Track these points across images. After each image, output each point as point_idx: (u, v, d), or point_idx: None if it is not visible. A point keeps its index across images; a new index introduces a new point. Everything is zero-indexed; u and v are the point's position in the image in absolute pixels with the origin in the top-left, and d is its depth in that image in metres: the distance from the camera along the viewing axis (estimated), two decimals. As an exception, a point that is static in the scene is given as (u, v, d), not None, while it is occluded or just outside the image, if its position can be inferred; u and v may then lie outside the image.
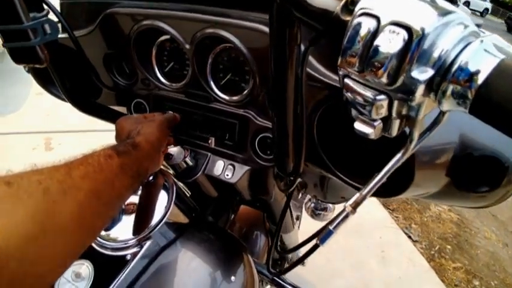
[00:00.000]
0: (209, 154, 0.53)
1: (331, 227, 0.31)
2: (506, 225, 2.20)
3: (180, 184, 0.52)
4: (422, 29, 0.19)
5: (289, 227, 0.72)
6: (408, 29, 0.19)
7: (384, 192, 0.41)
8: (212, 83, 0.49)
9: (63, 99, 0.60)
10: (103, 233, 0.42)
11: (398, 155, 0.27)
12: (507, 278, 1.76)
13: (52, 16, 0.44)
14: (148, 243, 0.41)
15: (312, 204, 0.81)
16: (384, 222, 1.92)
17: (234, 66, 0.48)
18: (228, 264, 0.48)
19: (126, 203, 0.46)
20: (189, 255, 0.45)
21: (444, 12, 0.19)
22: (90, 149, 0.36)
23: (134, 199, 0.46)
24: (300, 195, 0.75)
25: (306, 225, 1.20)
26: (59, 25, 0.45)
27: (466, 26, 0.20)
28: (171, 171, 0.52)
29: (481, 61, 0.18)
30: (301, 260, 0.39)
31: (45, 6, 0.43)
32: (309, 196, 0.81)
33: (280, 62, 0.29)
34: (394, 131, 0.24)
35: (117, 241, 0.40)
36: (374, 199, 1.99)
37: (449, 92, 0.19)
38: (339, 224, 0.31)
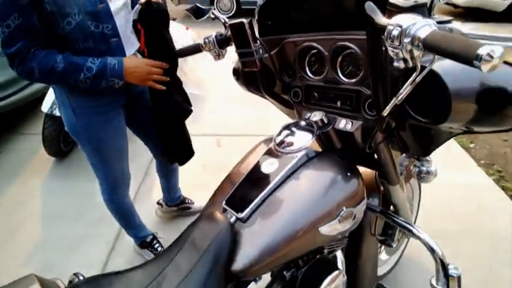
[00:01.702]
0: (337, 116, 0.89)
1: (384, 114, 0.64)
2: None
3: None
4: (406, 25, 0.51)
5: (393, 179, 0.98)
6: (401, 26, 0.52)
7: (431, 121, 0.67)
8: (340, 73, 0.86)
9: (255, 92, 1.08)
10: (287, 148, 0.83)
11: (415, 74, 0.57)
12: None
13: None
14: (303, 152, 0.80)
15: (416, 169, 1.03)
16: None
17: (353, 62, 0.83)
18: (346, 182, 0.81)
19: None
20: (321, 165, 0.82)
21: (414, 18, 0.52)
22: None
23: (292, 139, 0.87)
24: (402, 155, 1.00)
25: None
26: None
27: (424, 21, 0.51)
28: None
29: (425, 31, 0.50)
30: None
31: (258, 42, 0.90)
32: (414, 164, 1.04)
33: (373, 54, 0.64)
34: (409, 64, 0.55)
35: (288, 150, 0.81)
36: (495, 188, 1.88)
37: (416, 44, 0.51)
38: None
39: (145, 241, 1.64)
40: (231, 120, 2.83)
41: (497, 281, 1.51)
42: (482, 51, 0.41)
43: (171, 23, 1.18)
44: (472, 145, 2.57)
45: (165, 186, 1.77)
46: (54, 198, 2.05)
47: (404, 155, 1.00)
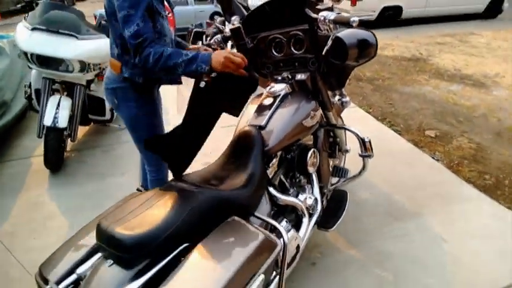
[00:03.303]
0: (296, 73, 1.63)
1: (323, 53, 1.41)
2: (519, 146, 2.86)
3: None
4: (325, 15, 1.32)
5: (328, 106, 1.75)
6: (324, 16, 1.32)
7: (341, 62, 1.46)
8: (293, 49, 1.61)
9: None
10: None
11: (332, 35, 1.35)
12: (506, 171, 2.56)
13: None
14: (284, 91, 1.52)
15: (340, 101, 1.85)
16: (413, 151, 2.78)
17: (299, 42, 1.59)
18: (309, 100, 1.55)
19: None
20: (295, 96, 1.54)
21: (327, 12, 1.33)
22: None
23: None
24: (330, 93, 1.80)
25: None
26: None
27: (331, 13, 1.33)
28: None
29: (332, 16, 1.30)
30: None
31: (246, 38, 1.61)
32: (337, 98, 1.85)
33: (311, 34, 1.41)
34: (329, 33, 1.33)
35: (276, 92, 1.52)
36: (389, 130, 2.90)
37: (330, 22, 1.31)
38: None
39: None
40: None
41: (398, 175, 2.43)
42: (351, 19, 1.20)
43: None
44: (370, 110, 3.64)
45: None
46: (66, 199, 2.35)
47: (331, 93, 1.80)
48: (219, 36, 1.67)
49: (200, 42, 4.61)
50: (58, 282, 0.95)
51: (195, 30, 4.84)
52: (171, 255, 0.94)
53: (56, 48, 2.31)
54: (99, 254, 0.99)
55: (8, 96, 3.17)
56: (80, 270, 0.96)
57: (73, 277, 0.96)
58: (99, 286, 0.90)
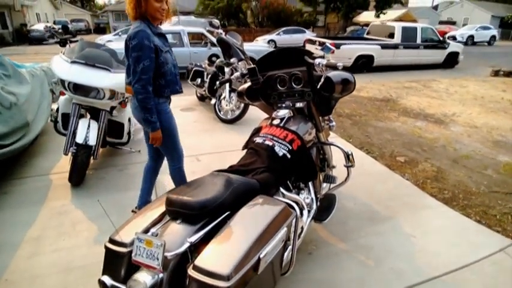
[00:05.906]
0: (296, 102, 2.15)
1: (318, 87, 1.94)
2: (471, 170, 3.46)
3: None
4: (319, 61, 1.89)
5: (320, 128, 2.25)
6: (319, 62, 1.88)
7: (329, 94, 2.00)
8: (293, 84, 2.14)
9: (251, 101, 2.29)
10: None
11: (324, 75, 1.91)
12: (460, 188, 3.08)
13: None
14: (287, 114, 2.03)
15: (328, 125, 2.37)
16: (387, 172, 3.31)
17: (298, 78, 2.13)
18: (307, 121, 2.07)
19: None
20: (296, 117, 2.05)
21: (321, 59, 1.90)
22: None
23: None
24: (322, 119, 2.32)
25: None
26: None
27: (322, 59, 1.90)
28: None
29: (324, 62, 1.87)
30: None
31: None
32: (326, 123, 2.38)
33: (308, 74, 1.96)
34: (322, 73, 1.89)
35: (281, 115, 2.03)
36: (366, 156, 3.47)
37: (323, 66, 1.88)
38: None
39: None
40: (199, 145, 3.86)
41: (376, 190, 2.93)
42: (338, 64, 1.77)
43: None
44: (350, 140, 4.23)
45: (149, 188, 2.41)
46: (90, 207, 2.65)
47: (321, 118, 2.33)
48: (238, 73, 2.20)
49: (199, 80, 5.20)
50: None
51: (195, 69, 5.43)
52: (221, 218, 1.35)
53: (93, 78, 2.76)
54: (165, 219, 1.38)
55: (30, 118, 3.51)
56: (153, 229, 1.34)
57: (149, 234, 1.33)
58: (172, 236, 1.28)
